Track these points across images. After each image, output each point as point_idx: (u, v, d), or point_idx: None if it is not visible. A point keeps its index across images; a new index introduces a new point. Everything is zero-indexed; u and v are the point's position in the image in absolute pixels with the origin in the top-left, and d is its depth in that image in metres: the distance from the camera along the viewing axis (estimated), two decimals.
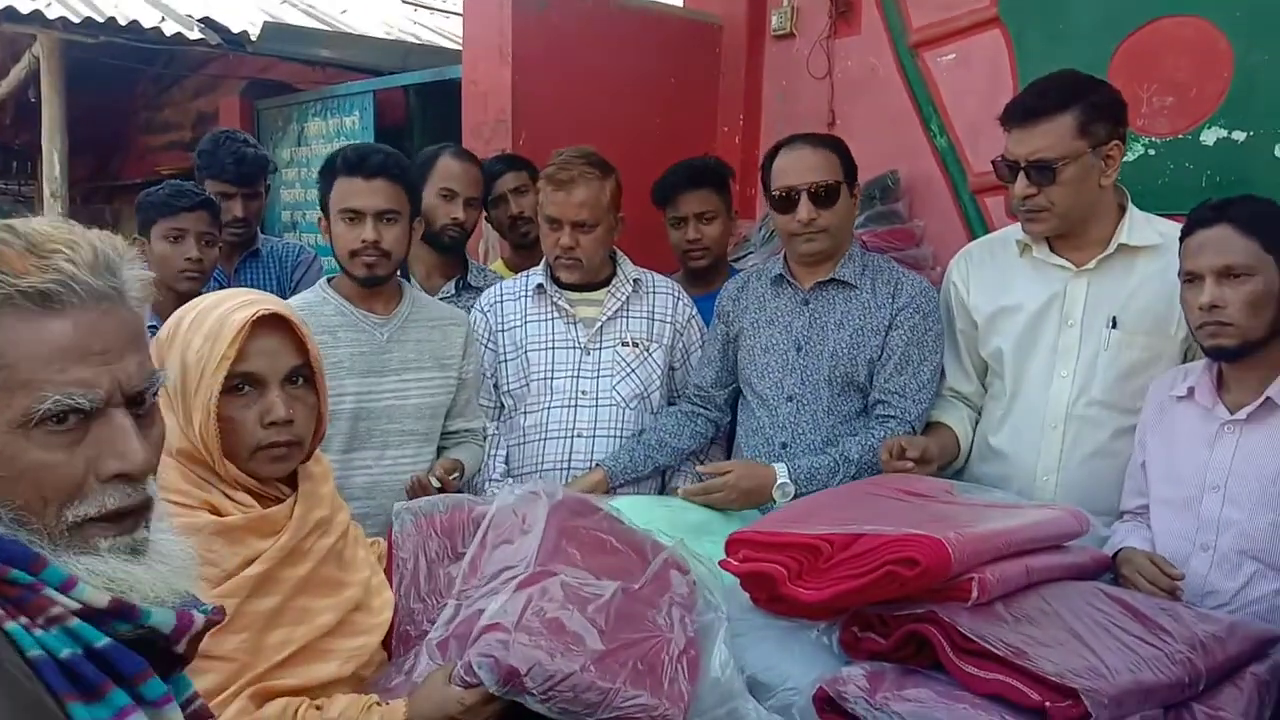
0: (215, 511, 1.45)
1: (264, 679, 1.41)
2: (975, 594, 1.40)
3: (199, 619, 0.95)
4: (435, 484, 2.26)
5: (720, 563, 1.65)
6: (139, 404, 0.94)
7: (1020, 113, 2.13)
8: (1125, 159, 2.87)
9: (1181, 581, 1.76)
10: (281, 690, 1.42)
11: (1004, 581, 1.47)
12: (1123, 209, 2.21)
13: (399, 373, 2.37)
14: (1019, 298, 2.28)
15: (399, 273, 2.47)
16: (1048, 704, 1.26)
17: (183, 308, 1.54)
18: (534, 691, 1.38)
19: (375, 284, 2.35)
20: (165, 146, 7.80)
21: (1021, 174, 2.12)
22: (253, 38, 4.89)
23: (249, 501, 1.49)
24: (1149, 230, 2.17)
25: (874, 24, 3.57)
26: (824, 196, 2.31)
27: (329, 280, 2.44)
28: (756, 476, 2.23)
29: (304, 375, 1.53)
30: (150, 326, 2.77)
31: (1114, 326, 2.17)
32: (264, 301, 1.50)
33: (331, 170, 2.32)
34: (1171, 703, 1.38)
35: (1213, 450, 1.88)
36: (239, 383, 1.46)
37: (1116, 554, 1.87)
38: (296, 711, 1.41)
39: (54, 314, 0.88)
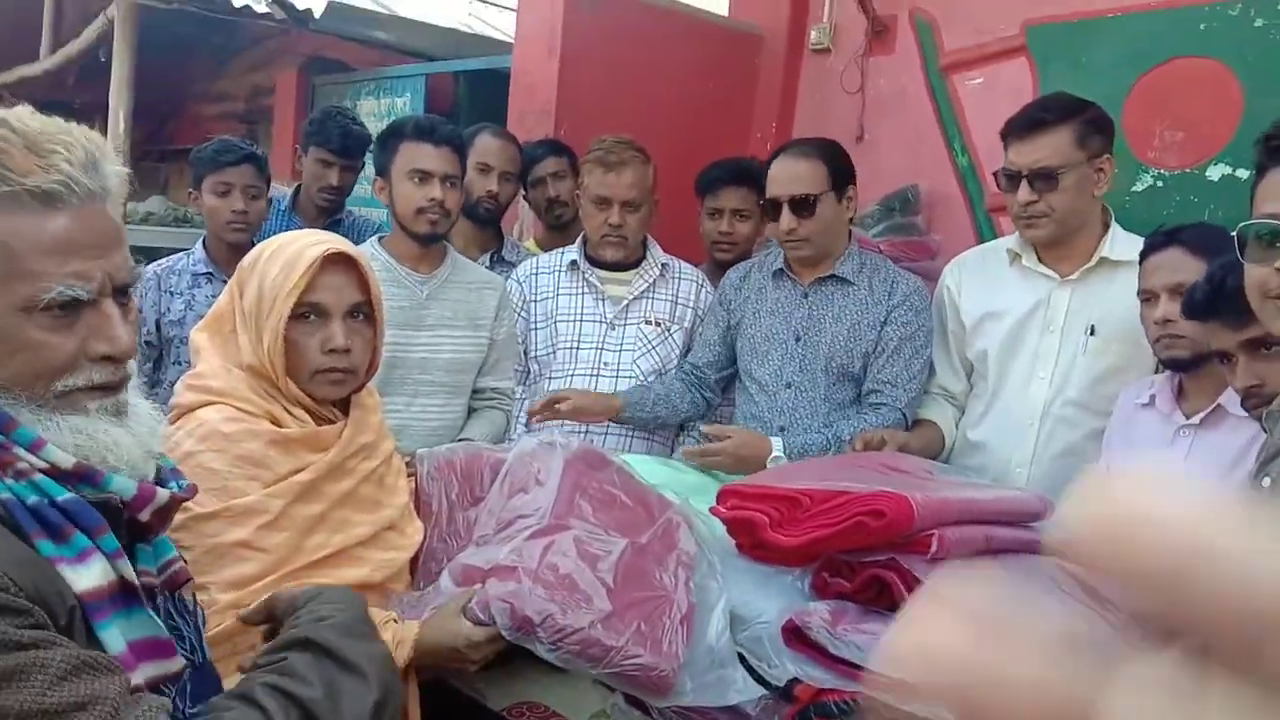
0: (275, 422, 1.63)
1: (299, 575, 1.56)
2: (934, 548, 1.56)
3: (162, 493, 1.03)
4: None
5: (710, 509, 1.81)
6: (123, 294, 1.04)
7: (1024, 125, 2.29)
8: (1135, 189, 3.07)
9: None
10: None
11: (964, 542, 1.62)
12: (1107, 225, 2.38)
13: (434, 328, 2.57)
14: (1006, 303, 2.44)
15: None
16: None
17: (266, 240, 1.73)
18: (543, 640, 1.51)
19: (434, 241, 2.55)
20: (219, 116, 8.04)
21: (1024, 182, 2.27)
22: (315, 15, 5.11)
23: (305, 418, 1.67)
24: (1130, 246, 2.33)
25: (908, 45, 3.73)
26: (804, 206, 2.45)
27: (379, 239, 2.63)
28: (754, 445, 2.38)
29: (364, 312, 1.71)
30: (206, 274, 2.98)
31: (1092, 334, 2.33)
32: (335, 242, 1.69)
33: (399, 136, 2.53)
34: None
35: (1169, 452, 2.03)
36: (306, 311, 1.65)
37: None
38: None
39: (56, 211, 0.97)
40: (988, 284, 2.51)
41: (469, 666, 1.60)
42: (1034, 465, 2.36)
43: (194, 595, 1.16)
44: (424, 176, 2.49)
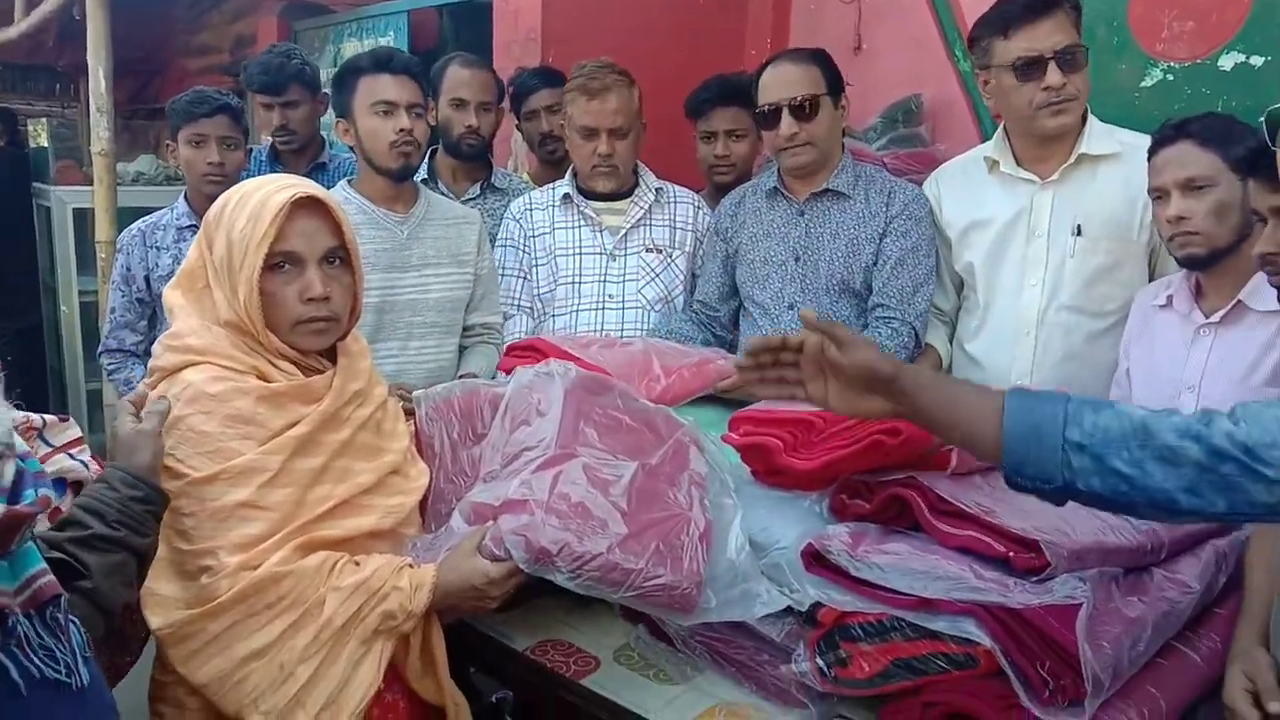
0: (262, 377, 1.58)
1: (307, 529, 1.54)
2: (954, 463, 1.53)
3: None
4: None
5: (723, 437, 1.77)
6: None
7: (1036, 7, 2.19)
8: (1145, 84, 2.97)
9: None
10: (325, 540, 1.56)
11: None
12: (1083, 120, 2.29)
13: (419, 268, 2.53)
14: (989, 212, 2.38)
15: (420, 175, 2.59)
16: (1011, 554, 1.38)
17: (229, 190, 1.65)
18: (562, 569, 1.49)
19: (407, 175, 2.49)
20: (203, 70, 7.87)
21: (1052, 64, 2.18)
22: None
23: (293, 370, 1.62)
24: (1109, 140, 2.27)
25: None
26: (804, 110, 2.39)
27: (349, 181, 2.57)
28: None
29: (340, 256, 1.64)
30: (190, 226, 2.94)
31: (1079, 234, 2.27)
32: (303, 185, 1.61)
33: (355, 72, 2.46)
34: (1133, 566, 1.50)
35: (1189, 352, 1.99)
36: (279, 261, 1.57)
37: None
38: (335, 564, 1.54)
39: None
40: (968, 194, 2.44)
41: (489, 604, 1.59)
42: (1034, 374, 2.30)
43: (66, 610, 1.02)
44: (389, 108, 2.41)
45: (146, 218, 2.95)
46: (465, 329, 2.67)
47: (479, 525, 1.61)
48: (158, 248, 2.88)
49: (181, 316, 1.63)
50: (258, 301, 1.56)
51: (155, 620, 1.47)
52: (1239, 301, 1.91)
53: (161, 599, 1.48)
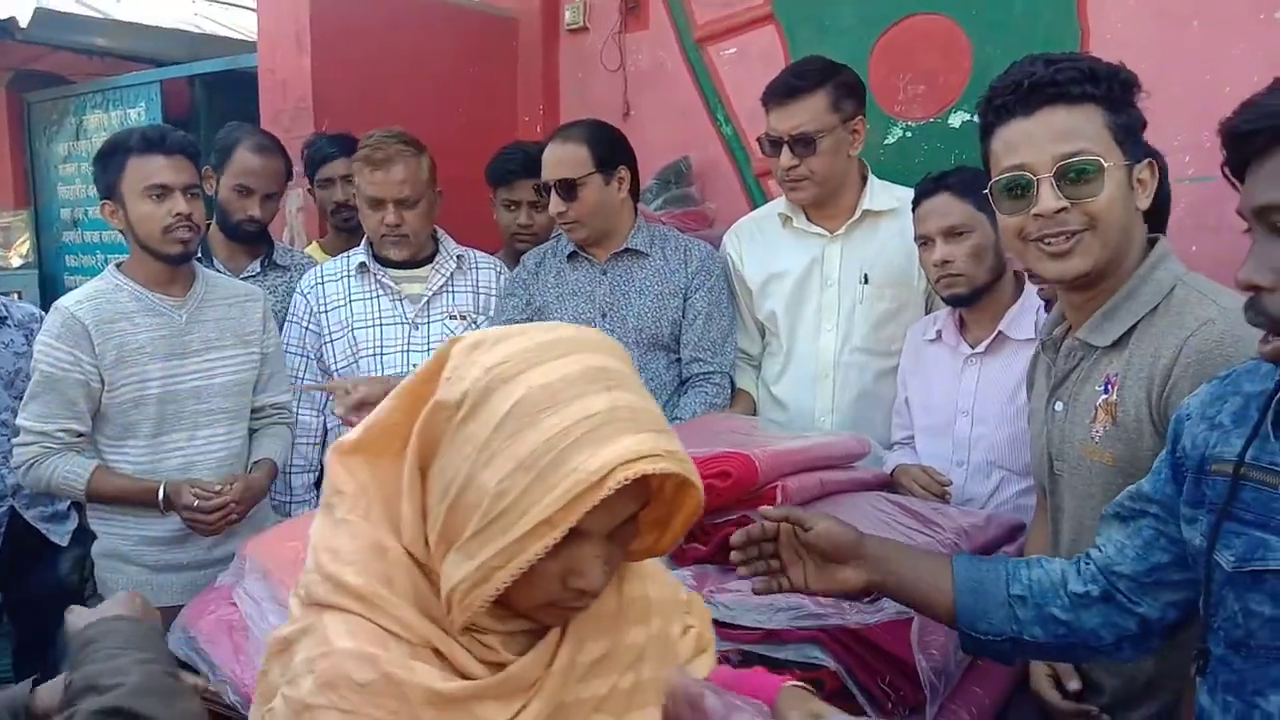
0: (440, 654, 0.98)
1: None
2: (780, 499, 1.63)
3: None
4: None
5: None
6: None
7: (781, 92, 2.41)
8: (887, 142, 3.27)
9: (950, 487, 2.06)
10: None
11: (802, 490, 1.71)
12: (865, 179, 2.54)
13: (202, 353, 2.42)
14: (785, 264, 2.56)
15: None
16: None
17: (485, 360, 0.96)
18: None
19: (186, 260, 2.38)
20: None
21: (785, 147, 2.38)
22: (22, 24, 4.60)
23: (490, 643, 1.01)
24: (887, 196, 2.51)
25: (661, 20, 3.80)
26: (567, 190, 2.50)
27: (118, 266, 2.43)
28: None
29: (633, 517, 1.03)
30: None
31: (866, 282, 2.49)
32: (647, 429, 0.96)
33: (124, 151, 2.32)
34: None
35: (960, 380, 2.20)
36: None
37: (893, 471, 2.16)
38: None
39: None
40: (765, 248, 2.62)
41: None
42: (835, 413, 2.49)
43: None
44: (162, 191, 2.29)
45: None
46: (255, 411, 2.56)
47: None
48: None
49: (355, 524, 1.02)
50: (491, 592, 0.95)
51: None
52: (999, 332, 2.15)
53: None
